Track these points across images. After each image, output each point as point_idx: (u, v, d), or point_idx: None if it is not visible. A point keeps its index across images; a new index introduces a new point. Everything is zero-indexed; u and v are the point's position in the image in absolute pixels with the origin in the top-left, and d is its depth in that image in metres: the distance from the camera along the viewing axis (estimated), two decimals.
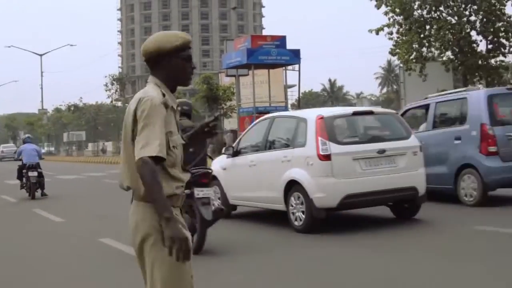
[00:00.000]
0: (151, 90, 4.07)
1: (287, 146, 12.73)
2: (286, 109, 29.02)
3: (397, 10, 49.82)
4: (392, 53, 52.49)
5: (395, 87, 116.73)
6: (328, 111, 12.79)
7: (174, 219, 3.81)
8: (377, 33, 50.82)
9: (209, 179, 10.61)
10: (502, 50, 50.93)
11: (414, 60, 50.33)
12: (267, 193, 12.75)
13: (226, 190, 14.09)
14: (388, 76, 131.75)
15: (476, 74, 51.23)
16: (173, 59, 4.12)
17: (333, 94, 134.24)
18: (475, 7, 49.82)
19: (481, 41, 51.16)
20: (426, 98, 17.01)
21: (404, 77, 53.84)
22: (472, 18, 50.58)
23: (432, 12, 50.61)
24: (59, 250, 11.77)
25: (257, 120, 14.98)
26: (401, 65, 54.41)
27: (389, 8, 50.02)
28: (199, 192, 10.02)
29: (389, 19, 50.59)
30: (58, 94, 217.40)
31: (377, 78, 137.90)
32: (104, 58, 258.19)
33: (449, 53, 51.43)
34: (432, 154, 14.52)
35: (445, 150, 14.99)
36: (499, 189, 14.64)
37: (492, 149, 14.08)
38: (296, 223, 11.91)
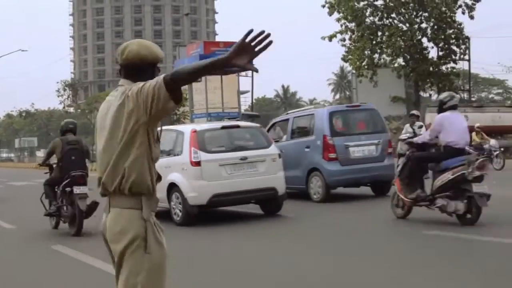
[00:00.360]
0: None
1: (168, 154, 14.82)
2: (239, 115, 29.00)
3: (349, 17, 50.20)
4: (344, 59, 52.87)
5: (347, 93, 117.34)
6: (201, 126, 15.52)
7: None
8: (330, 40, 51.18)
9: (85, 180, 13.54)
10: (453, 56, 51.62)
11: (366, 67, 50.74)
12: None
13: None
14: (341, 82, 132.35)
15: (428, 80, 51.77)
16: (154, 69, 4.24)
17: (287, 100, 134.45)
18: (426, 14, 50.43)
19: (432, 47, 51.81)
20: (287, 114, 21.36)
21: (356, 84, 54.32)
22: (423, 25, 51.23)
23: (384, 19, 51.11)
24: (9, 258, 11.63)
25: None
26: (354, 71, 54.84)
27: (341, 15, 50.40)
28: (77, 189, 13.31)
29: (341, 25, 50.99)
30: (9, 100, 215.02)
31: (330, 84, 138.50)
32: (56, 63, 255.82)
33: (400, 59, 51.94)
34: (291, 160, 17.51)
35: (299, 157, 18.13)
36: (340, 188, 18.29)
37: (332, 155, 17.53)
38: (176, 218, 14.35)
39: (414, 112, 24.15)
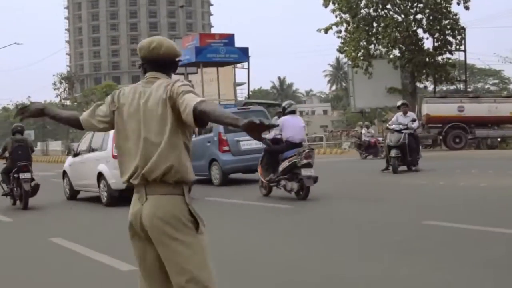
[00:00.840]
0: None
1: (98, 149, 18.53)
2: (235, 107, 29.04)
3: (344, 8, 50.14)
4: (340, 50, 52.89)
5: (344, 84, 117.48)
6: None
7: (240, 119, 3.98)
8: (325, 32, 51.17)
9: (28, 169, 17.76)
10: (449, 47, 51.57)
11: (361, 58, 50.72)
12: (89, 181, 18.65)
13: (71, 180, 20.18)
14: (337, 73, 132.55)
15: (424, 71, 51.73)
16: (177, 62, 4.65)
17: (283, 92, 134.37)
18: (421, 5, 50.37)
19: (427, 38, 51.77)
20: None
21: (352, 75, 54.25)
22: (419, 16, 51.14)
23: (379, 10, 51.05)
24: (7, 251, 11.63)
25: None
26: (349, 62, 54.83)
27: (336, 6, 50.36)
28: (22, 175, 17.51)
29: (336, 17, 50.96)
30: (5, 93, 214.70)
31: (326, 75, 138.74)
32: (51, 57, 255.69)
33: (396, 51, 51.92)
34: (198, 152, 21.07)
35: (203, 150, 21.97)
36: (233, 174, 22.35)
37: (226, 148, 21.56)
38: (103, 200, 17.79)
39: (405, 101, 24.70)
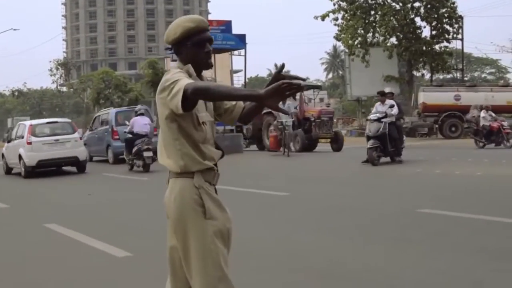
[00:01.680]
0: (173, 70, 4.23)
1: (21, 137, 25.09)
2: None
3: None
4: (337, 38, 52.89)
5: (340, 72, 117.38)
6: (35, 122, 27.07)
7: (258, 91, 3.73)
8: (322, 19, 51.18)
9: None
10: (446, 36, 51.64)
11: (359, 46, 50.75)
12: (15, 160, 25.11)
13: (7, 160, 26.76)
14: (334, 61, 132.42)
15: (421, 59, 51.79)
16: (182, 47, 4.29)
17: None
18: None
19: (425, 27, 51.85)
20: (107, 109, 35.89)
21: (349, 63, 54.28)
22: (416, 4, 51.17)
23: None
24: (3, 236, 11.65)
25: (18, 123, 28.68)
26: (346, 50, 54.85)
27: None
28: None
29: (334, 4, 50.96)
30: (1, 79, 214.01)
31: (323, 63, 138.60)
32: (48, 43, 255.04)
33: (393, 39, 51.94)
34: (100, 139, 30.66)
35: (103, 138, 30.41)
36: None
37: (116, 137, 28.62)
38: (22, 174, 24.48)
39: (388, 90, 23.11)
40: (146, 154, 22.64)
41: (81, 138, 25.96)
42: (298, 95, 29.90)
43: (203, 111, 4.24)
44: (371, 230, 10.01)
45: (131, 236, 10.46)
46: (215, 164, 4.29)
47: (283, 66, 3.95)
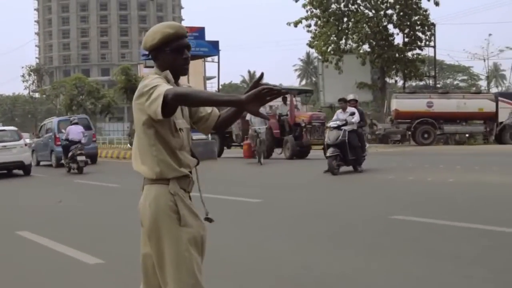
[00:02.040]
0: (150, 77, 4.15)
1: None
2: None
3: (315, 3, 50.26)
4: (310, 45, 52.99)
5: (314, 79, 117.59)
6: None
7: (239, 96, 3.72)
8: (295, 26, 51.26)
9: None
10: (419, 43, 51.93)
11: (332, 52, 50.87)
12: None
13: None
14: (307, 68, 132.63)
15: (394, 66, 52.01)
16: (161, 54, 4.25)
17: None
18: (392, 0, 50.62)
19: (397, 34, 52.08)
20: (52, 118, 39.31)
21: (322, 69, 54.40)
22: (389, 11, 51.39)
23: (350, 5, 51.21)
24: None
25: None
26: (319, 57, 54.98)
27: (307, 0, 50.46)
28: None
29: (307, 11, 51.06)
30: None
31: (296, 70, 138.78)
32: (20, 48, 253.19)
33: (366, 46, 52.13)
34: (46, 145, 34.20)
35: (47, 144, 33.91)
36: None
37: (58, 143, 31.03)
38: None
39: (351, 96, 21.91)
40: (79, 158, 26.31)
41: (26, 145, 28.82)
42: (288, 100, 29.71)
43: (180, 117, 4.21)
44: (344, 237, 10.01)
45: (102, 242, 10.37)
46: (190, 172, 4.26)
47: (262, 75, 3.98)
